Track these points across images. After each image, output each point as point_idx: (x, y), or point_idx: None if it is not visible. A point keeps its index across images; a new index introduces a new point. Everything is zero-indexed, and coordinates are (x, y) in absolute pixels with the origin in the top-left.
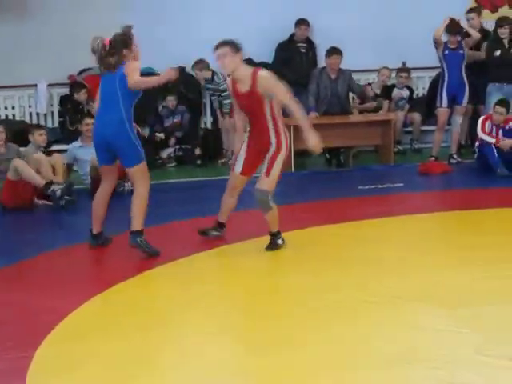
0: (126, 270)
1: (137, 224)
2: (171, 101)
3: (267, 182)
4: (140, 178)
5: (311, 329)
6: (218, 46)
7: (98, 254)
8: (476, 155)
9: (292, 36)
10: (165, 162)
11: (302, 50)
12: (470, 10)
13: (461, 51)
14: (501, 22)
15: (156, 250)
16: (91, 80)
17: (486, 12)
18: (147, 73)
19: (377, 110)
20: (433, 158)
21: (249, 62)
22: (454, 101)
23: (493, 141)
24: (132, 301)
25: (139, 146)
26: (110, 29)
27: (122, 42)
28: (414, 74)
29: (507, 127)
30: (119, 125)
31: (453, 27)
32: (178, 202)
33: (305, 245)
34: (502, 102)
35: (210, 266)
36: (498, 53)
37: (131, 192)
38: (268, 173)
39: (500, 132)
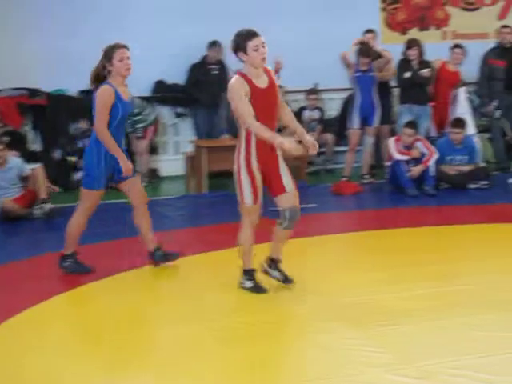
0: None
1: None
2: (83, 123)
3: (297, 195)
4: (81, 201)
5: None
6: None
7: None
8: (387, 175)
9: (204, 57)
10: (78, 184)
11: (214, 72)
12: (367, 32)
13: (371, 73)
14: (410, 44)
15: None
16: (2, 102)
17: (395, 34)
18: (58, 95)
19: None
20: (345, 179)
21: (160, 83)
22: (365, 122)
23: (406, 158)
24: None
25: (92, 172)
26: (16, 49)
27: (104, 54)
28: (325, 96)
29: (414, 146)
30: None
31: (364, 50)
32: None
33: (217, 267)
34: (410, 124)
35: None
36: (407, 74)
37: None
38: (296, 185)
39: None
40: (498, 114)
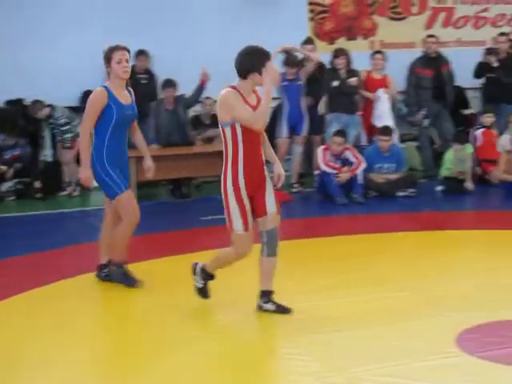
0: None
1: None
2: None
3: (277, 218)
4: (120, 213)
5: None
6: None
7: None
8: (316, 184)
9: (132, 67)
10: (4, 195)
11: (143, 82)
12: (307, 42)
13: (299, 82)
14: (337, 53)
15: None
16: None
17: (323, 44)
18: None
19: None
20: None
21: (89, 93)
22: (293, 131)
23: (334, 172)
24: None
25: (111, 181)
26: None
27: (104, 55)
28: None
29: (343, 156)
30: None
31: (291, 60)
32: (17, 236)
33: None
34: (340, 133)
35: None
36: (335, 83)
37: None
38: (279, 207)
39: (338, 162)
40: (426, 122)
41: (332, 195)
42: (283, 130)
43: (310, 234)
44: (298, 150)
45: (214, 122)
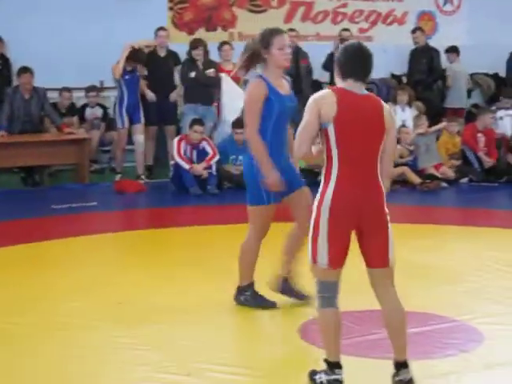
0: None
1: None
2: None
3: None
4: (250, 222)
5: None
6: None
7: None
8: (171, 174)
9: None
10: None
11: None
12: (160, 29)
13: (137, 73)
14: (195, 44)
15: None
16: None
17: (182, 34)
18: None
19: None
20: (119, 176)
21: None
22: (131, 121)
23: (187, 167)
24: None
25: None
26: None
27: (260, 38)
28: (111, 94)
29: (201, 147)
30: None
31: (132, 54)
32: None
33: None
34: (199, 121)
35: None
36: (192, 74)
37: None
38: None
39: (194, 153)
40: None
41: (186, 186)
42: (123, 120)
43: (160, 225)
44: (139, 139)
45: (69, 110)
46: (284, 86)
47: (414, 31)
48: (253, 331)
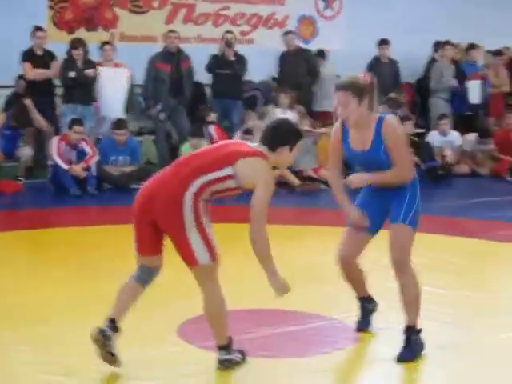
0: None
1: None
2: None
3: None
4: None
5: None
6: None
7: None
8: (50, 175)
9: None
10: None
11: None
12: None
13: None
14: (75, 44)
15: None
16: None
17: (62, 33)
18: None
19: None
20: None
21: None
22: None
23: (66, 167)
24: None
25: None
26: None
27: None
28: None
29: (80, 147)
30: None
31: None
32: None
33: None
34: (79, 122)
35: None
36: (72, 74)
37: None
38: None
39: (74, 153)
40: (162, 116)
41: (65, 186)
42: None
43: (38, 225)
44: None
45: None
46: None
47: (285, 34)
48: (130, 331)
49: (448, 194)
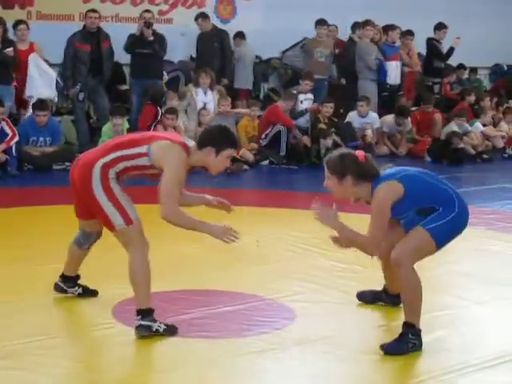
0: None
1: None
2: None
3: None
4: None
5: None
6: None
7: None
8: None
9: None
10: None
11: None
12: None
13: None
14: None
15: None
16: None
17: None
18: None
19: None
20: None
21: None
22: None
23: None
24: None
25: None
26: None
27: None
28: None
29: (0, 128)
30: None
31: None
32: None
33: None
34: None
35: None
36: None
37: None
38: None
39: None
40: (81, 96)
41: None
42: None
43: None
44: None
45: None
46: None
47: (196, 18)
48: (68, 312)
49: None
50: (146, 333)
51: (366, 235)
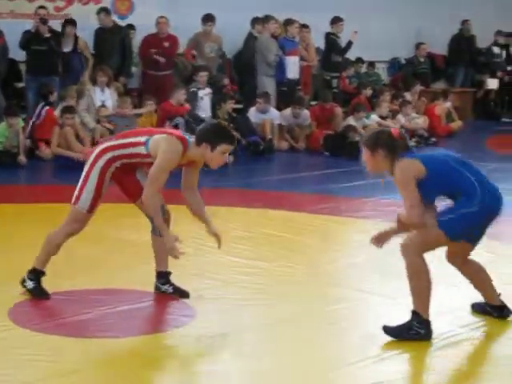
0: None
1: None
2: None
3: None
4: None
5: None
6: None
7: None
8: None
9: None
10: None
11: None
12: None
13: None
14: None
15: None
16: None
17: None
18: None
19: None
20: None
21: None
22: None
23: None
24: None
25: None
26: None
27: None
28: None
29: None
30: None
31: None
32: None
33: None
34: None
35: None
36: None
37: None
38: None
39: None
40: None
41: None
42: None
43: None
44: None
45: None
46: None
47: (98, 13)
48: None
49: (269, 169)
50: (25, 287)
51: (405, 212)
